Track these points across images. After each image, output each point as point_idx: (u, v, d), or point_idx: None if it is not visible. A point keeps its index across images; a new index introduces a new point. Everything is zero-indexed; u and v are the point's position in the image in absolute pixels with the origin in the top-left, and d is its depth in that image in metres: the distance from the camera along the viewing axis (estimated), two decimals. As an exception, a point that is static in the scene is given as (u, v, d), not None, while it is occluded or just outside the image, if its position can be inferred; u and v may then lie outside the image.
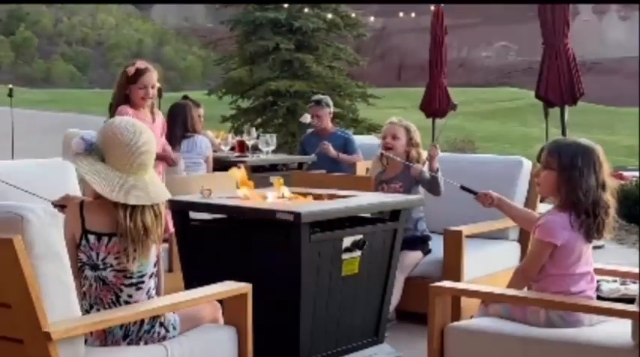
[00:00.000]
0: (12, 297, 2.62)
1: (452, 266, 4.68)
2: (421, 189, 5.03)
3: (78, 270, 2.98)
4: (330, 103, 8.42)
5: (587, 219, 3.33)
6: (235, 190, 4.52)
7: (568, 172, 3.35)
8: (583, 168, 3.34)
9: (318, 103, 8.24)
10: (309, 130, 8.64)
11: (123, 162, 3.07)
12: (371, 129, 19.49)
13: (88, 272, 3.04)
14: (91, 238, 3.04)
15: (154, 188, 3.12)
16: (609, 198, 3.39)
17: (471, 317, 3.73)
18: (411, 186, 4.93)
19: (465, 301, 3.72)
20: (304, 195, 4.39)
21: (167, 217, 3.88)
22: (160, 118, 5.46)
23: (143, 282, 3.12)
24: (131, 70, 5.24)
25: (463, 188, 4.32)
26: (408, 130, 5.13)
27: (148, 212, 3.09)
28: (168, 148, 5.64)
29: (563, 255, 3.34)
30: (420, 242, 4.95)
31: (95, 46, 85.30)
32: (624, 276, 3.79)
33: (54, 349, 2.63)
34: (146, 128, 3.19)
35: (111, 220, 3.04)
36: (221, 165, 7.50)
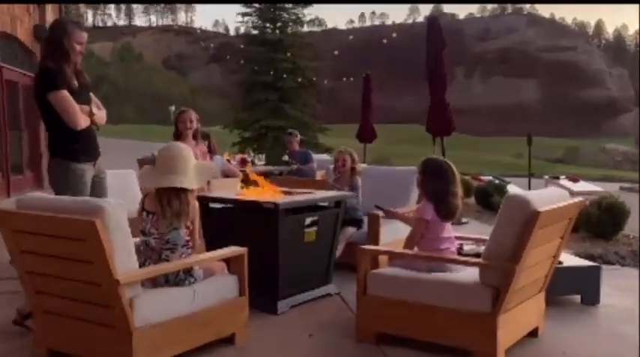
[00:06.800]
0: (94, 257, 2.60)
1: (372, 236, 4.58)
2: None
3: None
4: (297, 134, 8.48)
5: (440, 207, 3.35)
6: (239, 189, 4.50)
7: (426, 180, 3.43)
8: (435, 178, 3.39)
9: (290, 134, 8.39)
10: (287, 151, 8.61)
11: (159, 165, 3.10)
12: (326, 150, 19.57)
13: (142, 237, 3.04)
14: (144, 214, 3.07)
15: (171, 180, 3.02)
16: (458, 193, 3.38)
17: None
18: (352, 190, 4.98)
19: (379, 257, 3.71)
20: (280, 192, 4.29)
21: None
22: (201, 147, 5.43)
23: (176, 248, 3.06)
24: (177, 112, 5.38)
25: (376, 207, 4.29)
26: (350, 155, 5.29)
27: (175, 199, 3.02)
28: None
29: (432, 225, 3.36)
30: (354, 222, 4.88)
31: (152, 97, 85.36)
32: (478, 240, 3.84)
33: (122, 290, 2.63)
34: (179, 149, 3.15)
35: (155, 204, 3.04)
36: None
